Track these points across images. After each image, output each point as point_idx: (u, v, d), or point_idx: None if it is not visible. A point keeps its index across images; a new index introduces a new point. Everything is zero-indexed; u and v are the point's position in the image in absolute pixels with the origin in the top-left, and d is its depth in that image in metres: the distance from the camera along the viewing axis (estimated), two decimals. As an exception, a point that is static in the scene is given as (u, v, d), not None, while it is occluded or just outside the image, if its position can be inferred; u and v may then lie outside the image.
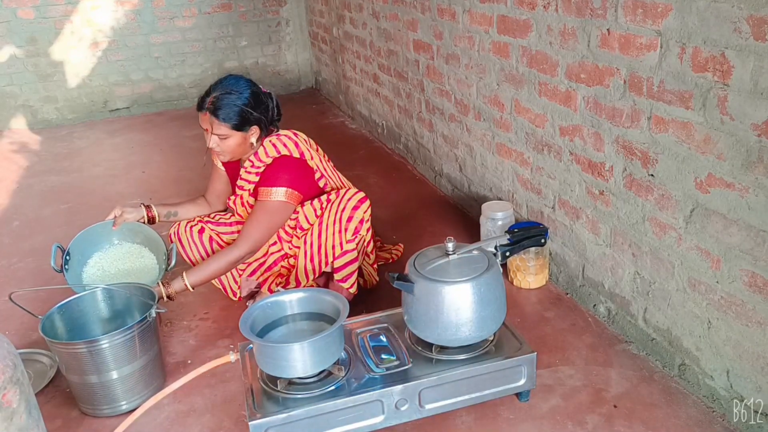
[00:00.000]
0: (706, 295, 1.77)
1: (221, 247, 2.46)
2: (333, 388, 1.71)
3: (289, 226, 2.35)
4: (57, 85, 5.48)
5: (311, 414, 1.65)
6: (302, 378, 1.71)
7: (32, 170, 4.42)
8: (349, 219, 2.25)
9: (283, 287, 2.35)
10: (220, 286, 2.52)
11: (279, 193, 2.23)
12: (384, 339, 1.89)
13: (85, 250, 2.36)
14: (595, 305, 2.29)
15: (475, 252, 1.83)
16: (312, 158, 2.34)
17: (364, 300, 2.40)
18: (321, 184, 2.38)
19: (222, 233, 2.49)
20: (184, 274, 2.16)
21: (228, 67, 5.89)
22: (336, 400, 1.66)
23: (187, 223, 2.48)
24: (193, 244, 2.45)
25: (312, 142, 2.41)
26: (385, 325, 1.96)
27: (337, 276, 2.30)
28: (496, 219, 2.54)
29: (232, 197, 2.44)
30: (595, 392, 1.90)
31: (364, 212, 2.28)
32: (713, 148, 1.64)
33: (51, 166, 4.47)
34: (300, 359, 1.66)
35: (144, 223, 2.40)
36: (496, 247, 1.87)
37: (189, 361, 2.20)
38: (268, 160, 2.29)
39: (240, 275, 2.46)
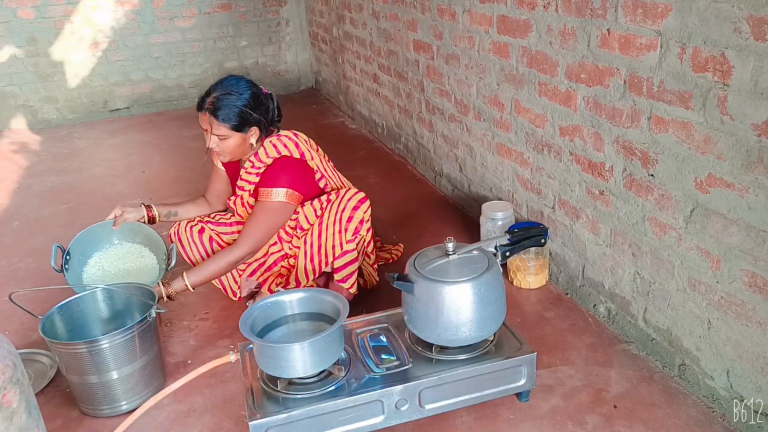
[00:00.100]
0: (706, 295, 1.77)
1: (221, 247, 2.46)
2: (333, 388, 1.71)
3: (289, 226, 2.35)
4: (57, 85, 5.48)
5: (311, 414, 1.65)
6: (302, 378, 1.71)
7: (32, 170, 4.42)
8: (349, 219, 2.25)
9: (283, 287, 2.35)
10: (220, 286, 2.52)
11: (279, 194, 2.23)
12: (384, 339, 1.89)
13: (86, 250, 2.36)
14: (595, 305, 2.29)
15: (475, 252, 1.83)
16: (312, 159, 2.34)
17: (364, 300, 2.40)
18: (321, 184, 2.38)
19: (222, 233, 2.49)
20: (184, 274, 2.17)
21: (228, 67, 5.88)
22: (336, 400, 1.66)
23: (187, 223, 2.48)
24: (193, 244, 2.46)
25: (312, 142, 2.41)
26: (385, 325, 1.96)
27: (337, 276, 2.30)
28: (496, 219, 2.54)
29: (233, 198, 2.44)
30: (595, 392, 1.90)
31: (364, 212, 2.28)
32: (713, 148, 1.64)
33: (51, 166, 4.47)
34: (300, 359, 1.66)
35: (144, 223, 2.40)
36: (496, 247, 1.87)
37: (189, 361, 2.20)
38: (269, 161, 2.29)
39: (240, 275, 2.46)
